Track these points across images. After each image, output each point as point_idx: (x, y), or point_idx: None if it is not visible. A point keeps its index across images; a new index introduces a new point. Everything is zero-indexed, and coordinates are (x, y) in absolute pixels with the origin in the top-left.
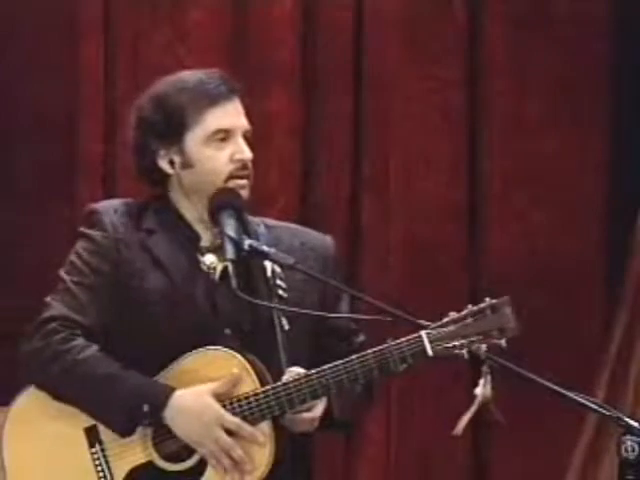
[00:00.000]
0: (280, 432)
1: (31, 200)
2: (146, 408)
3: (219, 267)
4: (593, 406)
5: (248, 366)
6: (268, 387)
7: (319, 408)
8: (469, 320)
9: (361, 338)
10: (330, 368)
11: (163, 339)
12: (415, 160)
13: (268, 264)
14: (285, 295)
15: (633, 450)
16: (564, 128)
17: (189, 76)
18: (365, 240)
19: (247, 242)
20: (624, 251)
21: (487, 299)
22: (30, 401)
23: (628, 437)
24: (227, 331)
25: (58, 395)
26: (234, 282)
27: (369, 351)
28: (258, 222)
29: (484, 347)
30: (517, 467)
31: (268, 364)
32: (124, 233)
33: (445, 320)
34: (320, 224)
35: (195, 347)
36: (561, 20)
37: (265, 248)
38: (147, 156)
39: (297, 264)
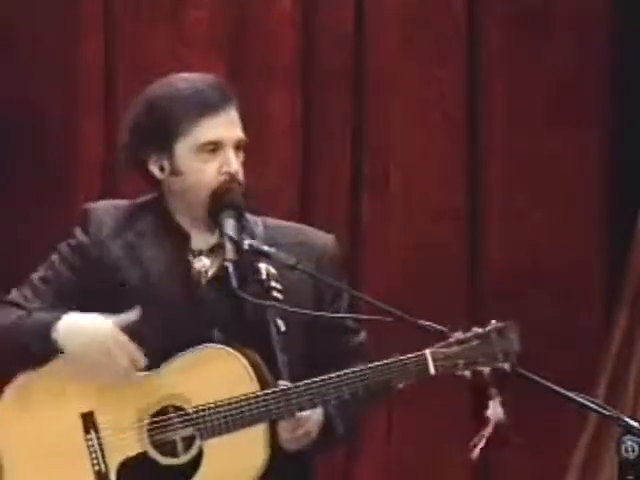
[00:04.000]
0: (274, 437)
1: (31, 200)
2: (35, 347)
3: (212, 270)
4: (593, 406)
5: (249, 367)
6: (268, 391)
7: (307, 425)
8: (474, 342)
9: (360, 337)
10: (331, 378)
11: (146, 340)
12: (415, 160)
13: (262, 266)
14: (280, 297)
15: (633, 450)
16: (564, 128)
17: (183, 82)
18: (365, 240)
19: (247, 242)
20: (624, 251)
21: (493, 322)
22: (25, 386)
23: (628, 437)
24: (216, 333)
25: None
26: (234, 282)
27: (372, 365)
28: (257, 222)
29: (487, 370)
30: (517, 467)
31: None
32: (108, 235)
33: (450, 340)
34: (320, 224)
35: (180, 348)
36: (561, 20)
37: (265, 248)
38: (138, 159)
39: (298, 264)
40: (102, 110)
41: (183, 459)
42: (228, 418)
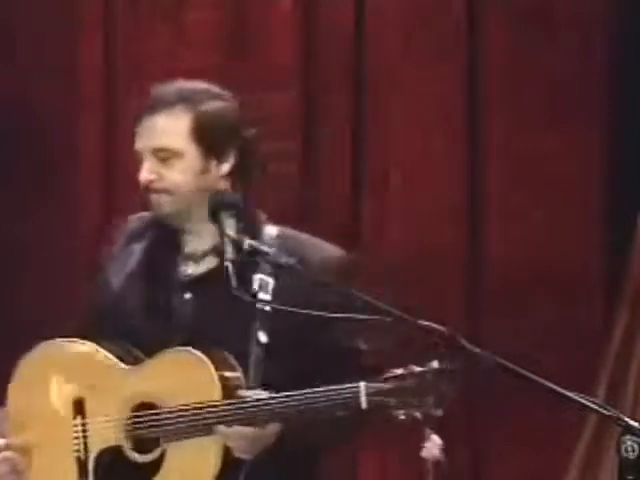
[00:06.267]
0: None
1: (31, 200)
2: None
3: (198, 272)
4: (593, 406)
5: (215, 376)
6: (227, 401)
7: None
8: (408, 382)
9: (356, 358)
10: (272, 398)
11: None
12: (415, 160)
13: (257, 277)
14: (267, 309)
15: (633, 450)
16: (564, 128)
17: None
18: (365, 240)
19: (247, 242)
20: (624, 251)
21: (433, 363)
22: (36, 363)
23: (628, 437)
24: (186, 341)
25: None
26: (234, 281)
27: (304, 391)
28: (272, 231)
29: (419, 415)
30: (517, 467)
31: None
32: (116, 247)
33: (386, 375)
34: (320, 224)
35: (150, 354)
36: (561, 19)
37: (265, 248)
38: None
39: (297, 265)
40: (102, 110)
41: (149, 458)
42: (188, 423)
